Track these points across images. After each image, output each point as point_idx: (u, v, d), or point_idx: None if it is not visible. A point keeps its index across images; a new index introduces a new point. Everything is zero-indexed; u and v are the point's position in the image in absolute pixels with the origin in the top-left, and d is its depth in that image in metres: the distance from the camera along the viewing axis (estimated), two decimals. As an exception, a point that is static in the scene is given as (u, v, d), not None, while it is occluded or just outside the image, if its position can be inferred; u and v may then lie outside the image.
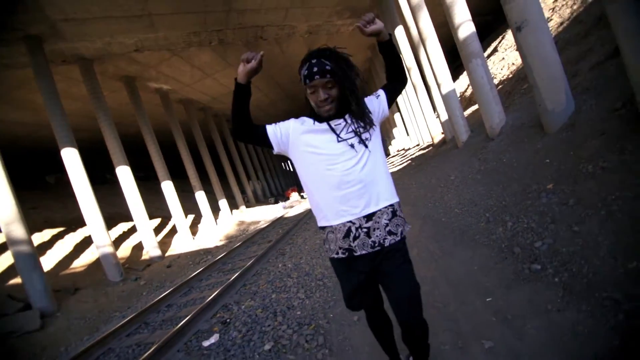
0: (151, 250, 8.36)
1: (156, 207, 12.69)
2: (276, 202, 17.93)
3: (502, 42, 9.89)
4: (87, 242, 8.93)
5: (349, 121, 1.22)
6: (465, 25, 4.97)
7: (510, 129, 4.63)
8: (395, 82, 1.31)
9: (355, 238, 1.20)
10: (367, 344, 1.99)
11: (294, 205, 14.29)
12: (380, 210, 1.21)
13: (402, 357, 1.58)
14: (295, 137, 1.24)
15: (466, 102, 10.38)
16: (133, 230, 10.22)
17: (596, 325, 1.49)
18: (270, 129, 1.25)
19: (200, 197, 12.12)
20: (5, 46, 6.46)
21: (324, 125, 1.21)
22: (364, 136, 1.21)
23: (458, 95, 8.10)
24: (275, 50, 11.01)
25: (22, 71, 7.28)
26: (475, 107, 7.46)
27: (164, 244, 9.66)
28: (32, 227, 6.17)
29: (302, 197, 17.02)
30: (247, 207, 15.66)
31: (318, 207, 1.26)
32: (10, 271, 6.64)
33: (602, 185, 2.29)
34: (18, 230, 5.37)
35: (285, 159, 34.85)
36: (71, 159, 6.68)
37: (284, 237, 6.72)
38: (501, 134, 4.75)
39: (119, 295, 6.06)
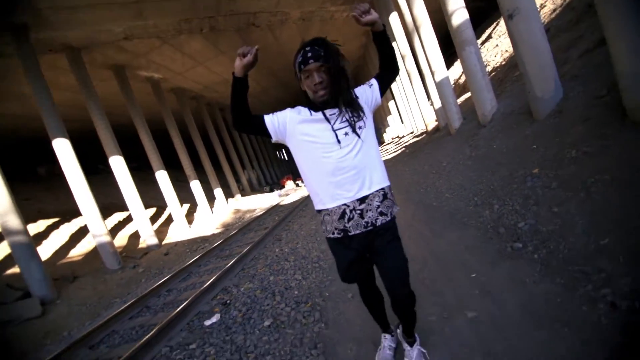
0: (148, 238, 8.43)
1: (150, 197, 12.66)
2: (271, 190, 18.01)
3: (496, 29, 9.89)
4: (82, 232, 8.95)
5: (343, 110, 1.28)
6: (459, 12, 4.98)
7: (501, 115, 4.73)
8: (388, 72, 1.38)
9: (349, 219, 1.30)
10: (360, 317, 2.13)
11: (289, 194, 14.39)
12: (372, 193, 1.30)
13: (392, 326, 1.72)
14: (292, 127, 1.31)
15: (460, 89, 10.44)
16: (129, 219, 10.25)
17: (567, 294, 1.65)
18: (268, 118, 1.32)
19: (195, 186, 12.13)
20: (-11, 35, 6.26)
21: (319, 115, 1.28)
22: (357, 125, 1.28)
23: (452, 82, 8.16)
24: (268, 38, 10.83)
25: (6, 60, 7.04)
26: (468, 94, 7.54)
27: (160, 233, 9.72)
28: (26, 218, 6.13)
29: (297, 185, 17.11)
30: (243, 195, 15.72)
31: (315, 192, 1.35)
32: (7, 261, 6.68)
33: (583, 169, 2.41)
34: (13, 221, 5.39)
35: (280, 147, 34.73)
36: (63, 149, 6.62)
37: (280, 223, 6.83)
38: (492, 121, 4.85)
39: (117, 282, 6.15)
